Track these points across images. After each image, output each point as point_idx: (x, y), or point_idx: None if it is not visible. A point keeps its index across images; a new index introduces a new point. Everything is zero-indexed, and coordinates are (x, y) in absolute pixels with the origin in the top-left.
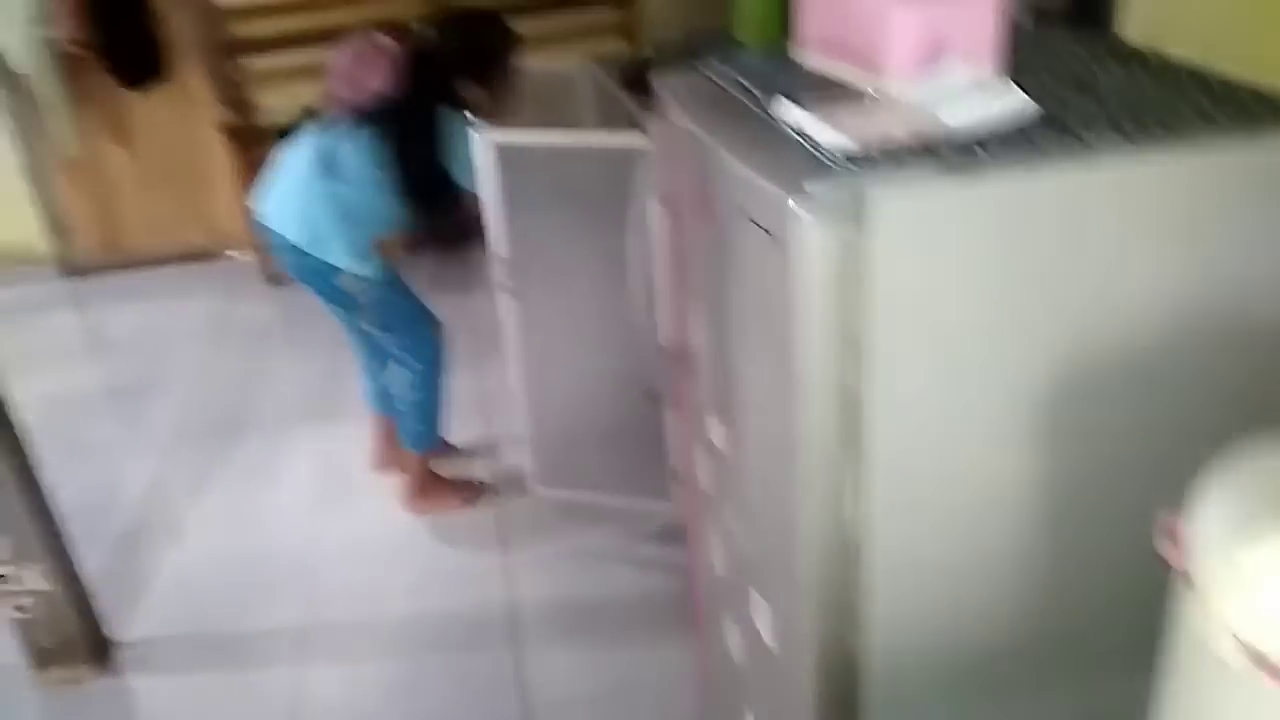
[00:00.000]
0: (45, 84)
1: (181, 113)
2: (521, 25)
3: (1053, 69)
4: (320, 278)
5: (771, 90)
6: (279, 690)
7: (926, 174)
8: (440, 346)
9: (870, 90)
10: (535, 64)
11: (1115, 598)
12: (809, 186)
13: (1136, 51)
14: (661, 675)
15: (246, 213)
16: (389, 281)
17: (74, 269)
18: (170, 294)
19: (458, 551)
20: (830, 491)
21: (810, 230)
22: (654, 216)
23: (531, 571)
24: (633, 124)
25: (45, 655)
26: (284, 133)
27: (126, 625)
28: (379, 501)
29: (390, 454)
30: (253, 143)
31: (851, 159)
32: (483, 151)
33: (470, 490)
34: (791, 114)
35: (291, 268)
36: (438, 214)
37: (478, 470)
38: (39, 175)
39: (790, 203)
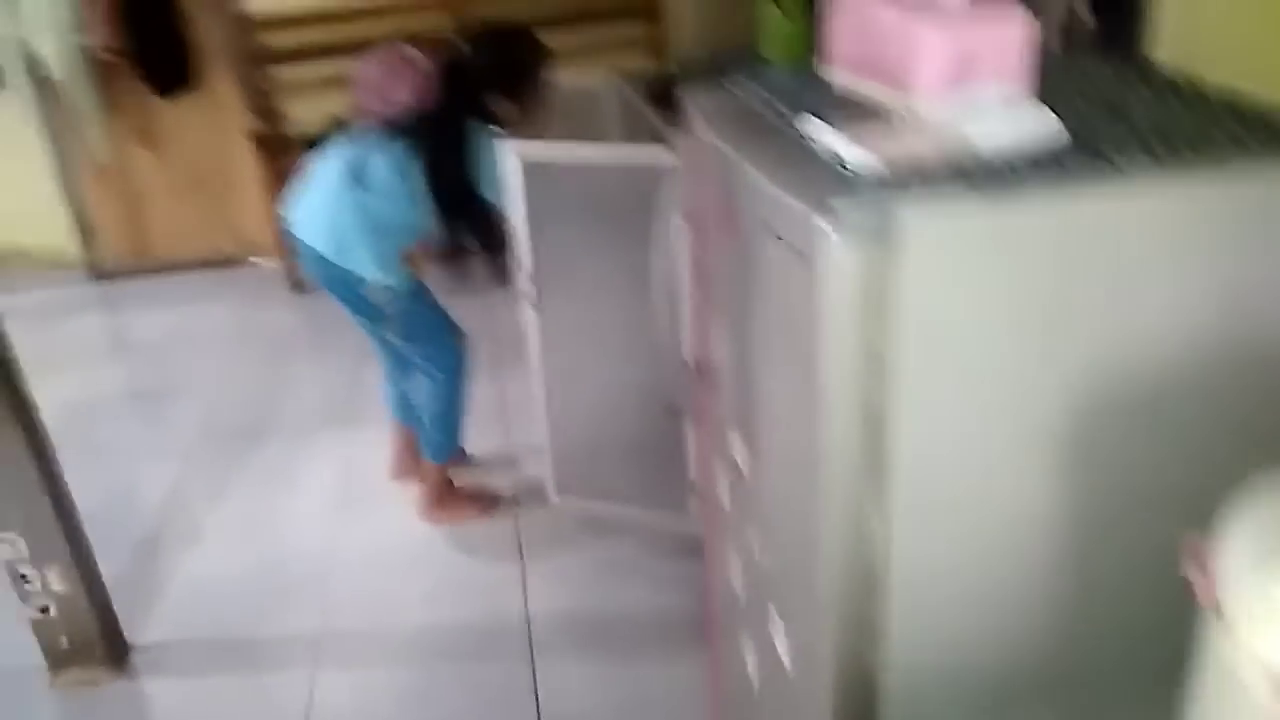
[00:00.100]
0: (79, 90)
1: (210, 120)
2: (547, 39)
3: (1083, 92)
4: (347, 287)
5: (799, 108)
6: (293, 696)
7: (956, 195)
8: (463, 358)
9: (899, 110)
10: (561, 78)
11: (1139, 624)
12: (837, 205)
13: (1167, 75)
14: (675, 691)
15: (272, 220)
16: (414, 292)
17: (102, 273)
18: (195, 299)
19: (474, 561)
20: (852, 512)
21: (838, 249)
22: (678, 231)
23: (548, 583)
24: (657, 139)
25: (62, 657)
26: (312, 142)
27: (143, 628)
28: (397, 510)
29: (409, 463)
30: (280, 151)
31: (880, 178)
32: (509, 164)
33: (488, 501)
34: (820, 132)
35: (319, 277)
36: (464, 226)
37: (496, 480)
38: (69, 180)
39: (818, 221)
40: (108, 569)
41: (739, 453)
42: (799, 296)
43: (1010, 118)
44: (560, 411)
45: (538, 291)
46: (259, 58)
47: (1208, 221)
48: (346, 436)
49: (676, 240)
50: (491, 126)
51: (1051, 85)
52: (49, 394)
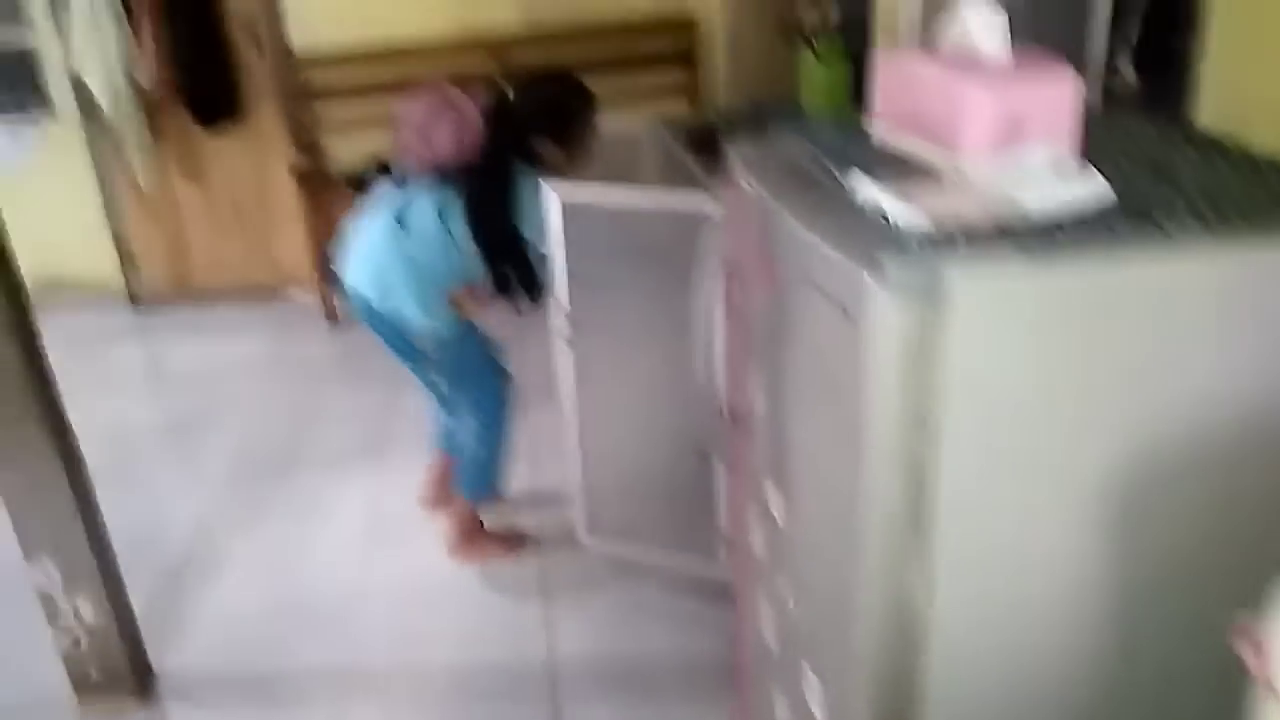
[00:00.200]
0: (126, 122)
1: (253, 154)
2: (588, 84)
3: (1128, 153)
4: (394, 333)
5: (844, 163)
6: None
7: (1004, 257)
8: (507, 403)
9: (945, 168)
10: (601, 123)
11: (1185, 698)
12: (886, 264)
13: (1213, 138)
14: None
15: (310, 253)
16: (460, 336)
17: (142, 302)
18: (233, 330)
19: (501, 600)
20: (893, 571)
21: (885, 307)
22: (717, 278)
23: (575, 625)
24: (697, 186)
25: (90, 685)
26: (352, 179)
27: (170, 658)
28: (425, 546)
29: (443, 493)
30: (321, 187)
31: (927, 237)
32: (549, 203)
33: (515, 541)
34: (866, 188)
35: (367, 323)
36: (508, 270)
37: (524, 519)
38: (113, 210)
39: (866, 278)
40: (137, 597)
41: (774, 502)
42: (842, 351)
43: (1057, 179)
44: (592, 451)
45: (573, 329)
46: (303, 94)
47: (1256, 287)
48: (377, 470)
49: (714, 286)
50: (537, 171)
51: (1096, 145)
52: (85, 420)
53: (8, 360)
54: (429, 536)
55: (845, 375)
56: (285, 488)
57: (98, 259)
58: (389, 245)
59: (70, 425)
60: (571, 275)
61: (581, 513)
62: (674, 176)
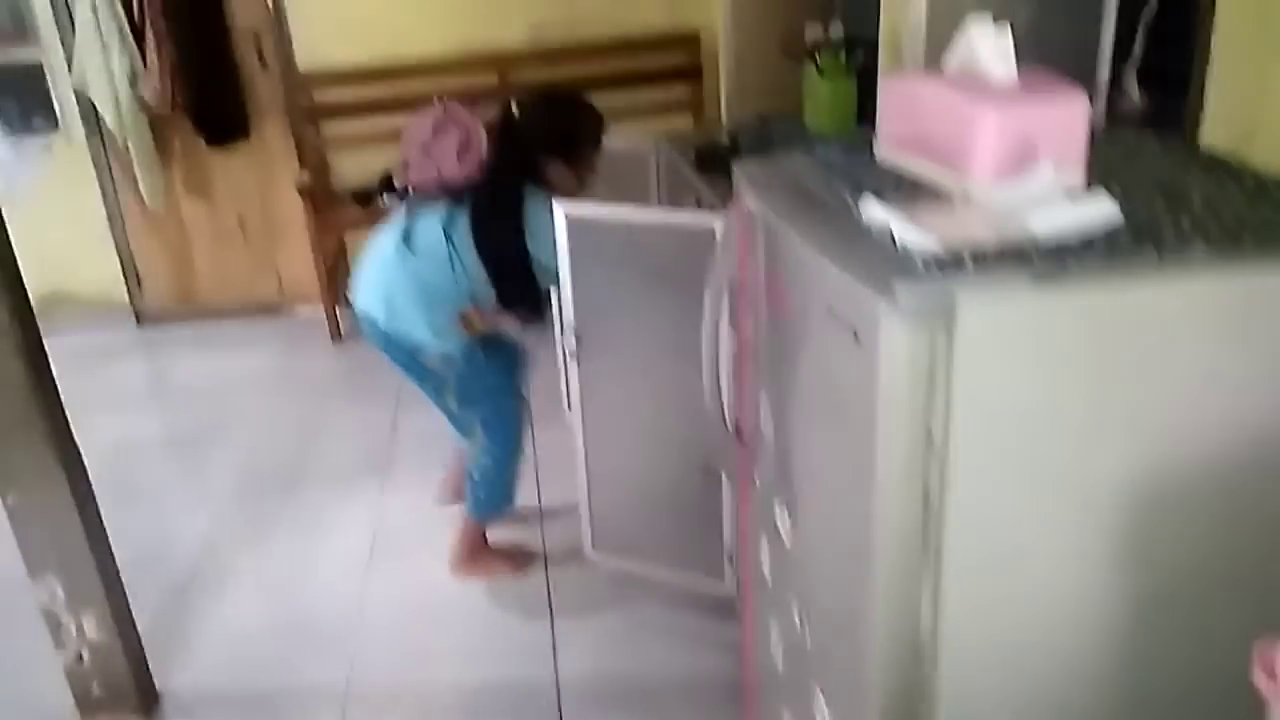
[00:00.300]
0: (134, 139)
1: (259, 171)
2: (592, 99)
3: (1135, 173)
4: (405, 354)
5: (853, 184)
6: None
7: (1016, 281)
8: (518, 422)
9: (954, 190)
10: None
11: (1196, 716)
12: (898, 289)
13: (1219, 158)
14: None
15: (316, 270)
16: (469, 356)
17: (147, 317)
18: (238, 346)
19: (505, 618)
20: (903, 592)
21: (897, 332)
22: (724, 297)
23: (580, 643)
24: (702, 203)
25: (94, 704)
26: (359, 196)
27: (173, 676)
28: (430, 563)
29: (461, 489)
30: (327, 204)
31: (937, 261)
32: (556, 217)
33: (519, 558)
34: (875, 211)
35: (378, 344)
36: (515, 290)
37: (531, 535)
38: (119, 226)
39: (879, 304)
40: (140, 614)
41: (781, 521)
42: (853, 374)
43: (1068, 202)
44: (598, 467)
45: (581, 345)
46: (309, 111)
47: (1264, 308)
48: (381, 487)
49: (721, 305)
50: (544, 190)
51: (1103, 165)
52: (90, 436)
53: (15, 378)
54: (434, 553)
55: (855, 397)
56: (290, 504)
57: (103, 275)
58: (396, 266)
59: (76, 443)
60: (578, 290)
61: (588, 528)
62: (679, 194)
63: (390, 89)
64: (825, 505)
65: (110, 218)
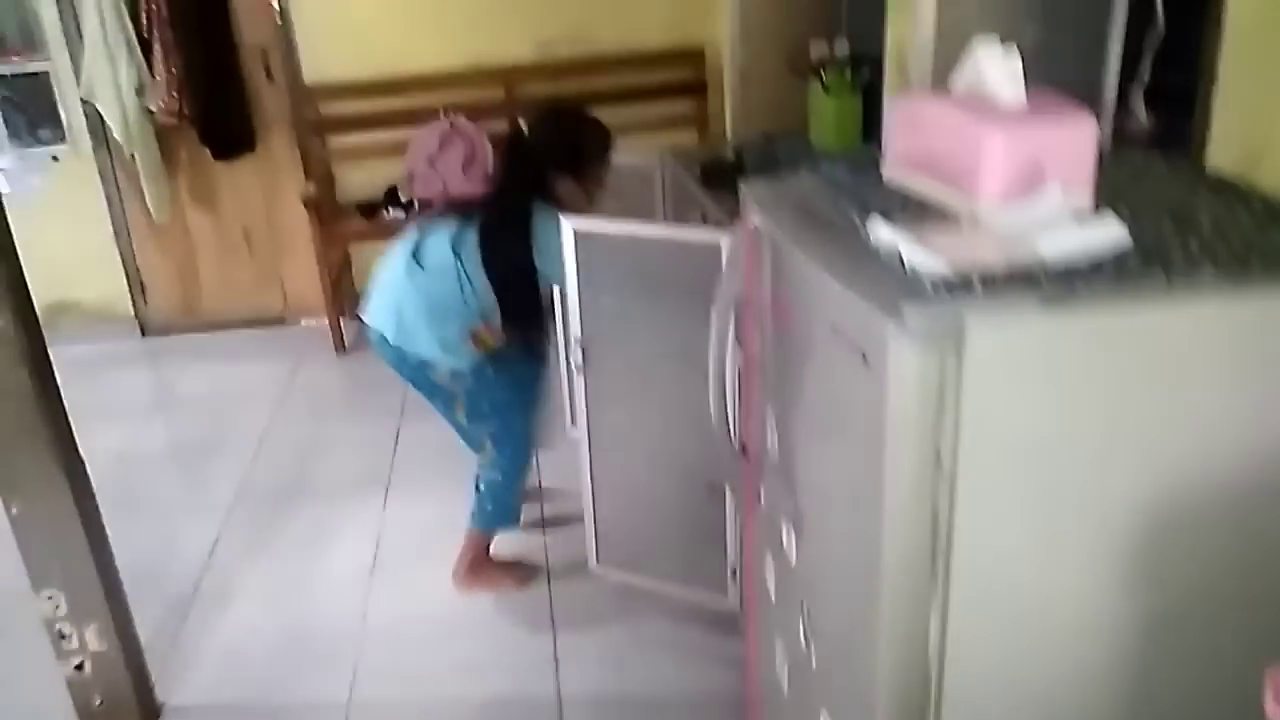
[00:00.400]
0: (141, 151)
1: (265, 183)
2: (597, 114)
3: (1143, 195)
4: (415, 371)
5: (859, 204)
6: None
7: (1025, 304)
8: (528, 440)
9: (962, 211)
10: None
11: None
12: (908, 312)
13: (1226, 180)
14: None
15: (321, 282)
16: (480, 373)
17: (151, 328)
18: (242, 357)
19: (508, 632)
20: (912, 616)
21: (907, 355)
22: (730, 314)
23: (584, 658)
24: (706, 218)
25: (94, 714)
26: (364, 209)
27: (174, 688)
28: (433, 576)
29: None
30: (332, 216)
31: (946, 283)
32: (563, 229)
33: (522, 571)
34: (884, 232)
35: (389, 361)
36: (521, 305)
37: (533, 550)
38: (125, 236)
39: (887, 325)
40: (142, 626)
41: (787, 540)
42: (862, 395)
43: (1077, 224)
44: (603, 480)
45: (587, 358)
46: (316, 126)
47: (1276, 334)
48: (384, 500)
49: (728, 321)
50: (553, 206)
51: (1110, 186)
52: (94, 446)
53: (21, 389)
54: (436, 566)
55: (863, 418)
56: (293, 516)
57: (108, 285)
58: (405, 282)
59: (80, 454)
60: (585, 304)
61: (592, 542)
62: (685, 209)
63: (396, 102)
64: (832, 524)
65: (116, 228)
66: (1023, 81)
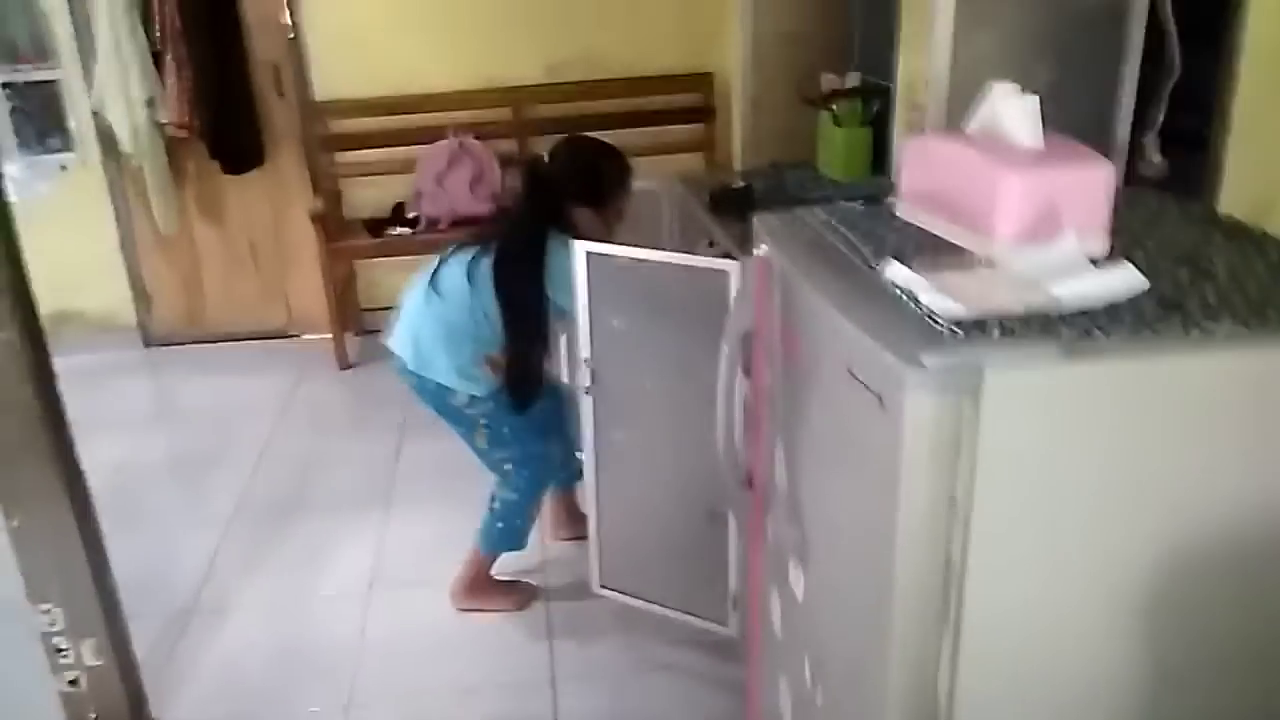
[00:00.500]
0: (149, 163)
1: (272, 197)
2: (604, 137)
3: (1158, 240)
4: (435, 397)
5: (874, 242)
6: None
7: (1044, 351)
8: (547, 469)
9: (978, 254)
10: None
11: None
12: (926, 358)
13: (1243, 227)
14: None
15: (325, 298)
16: (498, 399)
17: (154, 339)
18: (244, 370)
19: (508, 652)
20: (922, 659)
21: (925, 401)
22: (739, 344)
23: (580, 680)
24: (713, 245)
25: None
26: (371, 225)
27: (169, 704)
28: (431, 594)
29: (566, 518)
30: (339, 232)
31: (962, 328)
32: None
33: (521, 593)
34: (899, 272)
35: (411, 388)
36: (527, 331)
37: (532, 571)
38: (131, 247)
39: (907, 373)
40: (138, 639)
41: (794, 576)
42: (876, 437)
43: (1093, 269)
44: (607, 502)
45: (594, 380)
46: (325, 142)
47: None
48: (384, 517)
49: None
50: (571, 236)
51: (1127, 231)
52: (93, 457)
53: (25, 403)
54: (435, 584)
55: (877, 460)
56: (291, 532)
57: (112, 295)
58: (423, 309)
59: (82, 469)
60: (594, 324)
61: (595, 564)
62: (692, 234)
63: (405, 121)
64: (841, 562)
65: (121, 239)
66: (1040, 124)
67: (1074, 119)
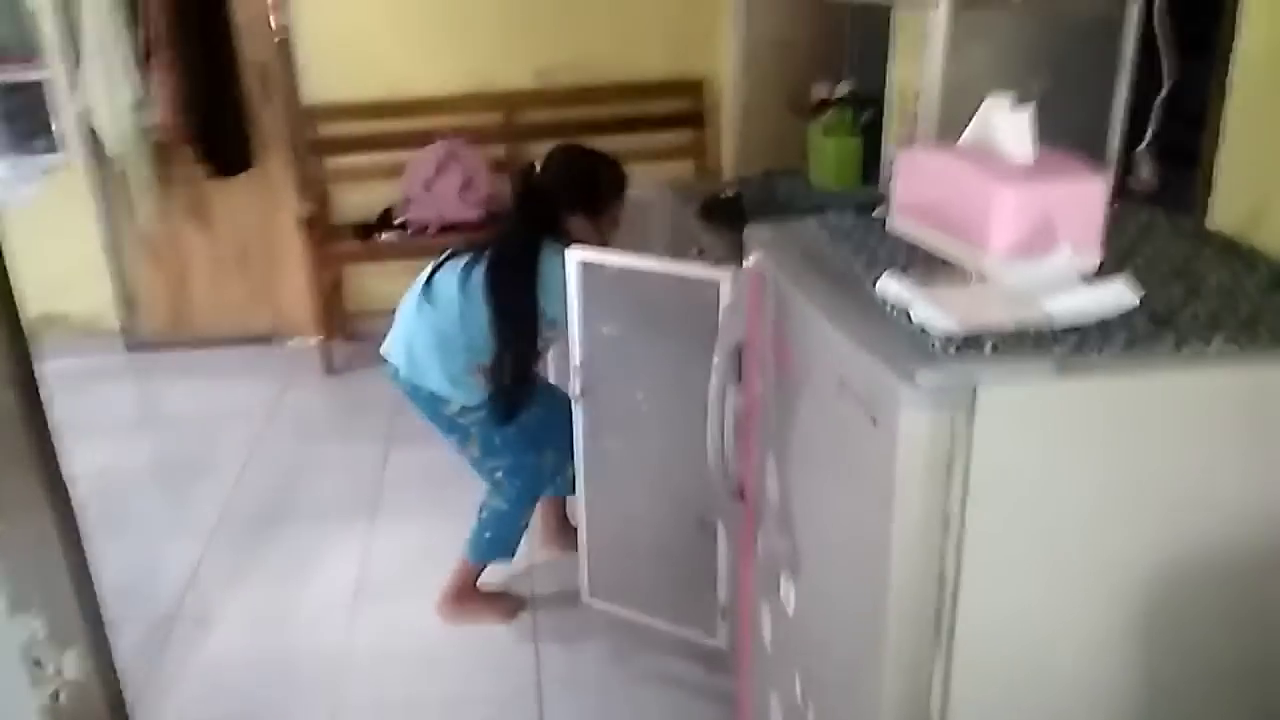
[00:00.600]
0: (136, 166)
1: (260, 201)
2: (594, 143)
3: (1150, 255)
4: (429, 405)
5: (865, 254)
6: None
7: (1035, 367)
8: (539, 480)
9: (971, 268)
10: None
11: None
12: (920, 374)
13: (1234, 242)
14: None
15: (313, 302)
16: (489, 407)
17: (139, 343)
18: (230, 375)
19: (496, 663)
20: (915, 675)
21: (919, 416)
22: (731, 355)
23: (570, 691)
24: (702, 253)
25: None
26: (359, 230)
27: (151, 715)
28: (417, 604)
29: (555, 528)
30: (327, 237)
31: (955, 343)
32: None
33: (508, 604)
34: (892, 286)
35: (406, 396)
36: (515, 338)
37: (520, 581)
38: (117, 251)
39: (901, 388)
40: (121, 650)
41: (785, 590)
42: (869, 452)
43: (1084, 283)
44: (597, 511)
45: (585, 386)
46: (314, 146)
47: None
48: (369, 525)
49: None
50: (566, 245)
51: (1118, 246)
52: (76, 463)
53: (7, 410)
54: (421, 594)
55: (870, 475)
56: (276, 539)
57: (96, 298)
58: (415, 317)
59: (65, 478)
60: (586, 330)
61: (585, 574)
62: (681, 242)
63: (394, 125)
64: (834, 577)
65: (107, 241)
66: (1034, 138)
67: (1066, 132)
